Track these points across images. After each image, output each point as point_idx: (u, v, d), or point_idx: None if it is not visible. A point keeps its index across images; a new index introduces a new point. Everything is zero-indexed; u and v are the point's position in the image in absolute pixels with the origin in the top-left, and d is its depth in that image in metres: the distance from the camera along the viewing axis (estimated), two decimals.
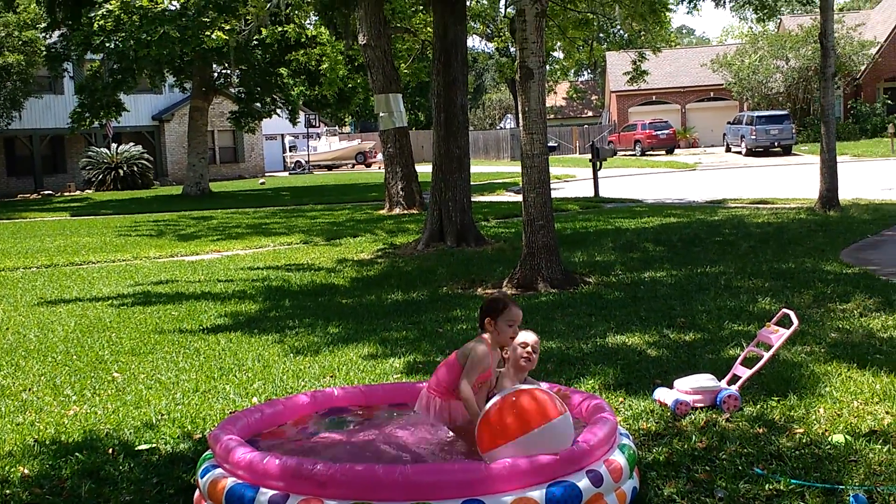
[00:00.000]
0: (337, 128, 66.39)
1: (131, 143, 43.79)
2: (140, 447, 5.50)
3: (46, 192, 41.80)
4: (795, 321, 6.05)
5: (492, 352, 4.87)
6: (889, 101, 50.46)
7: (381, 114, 21.94)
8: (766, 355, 6.06)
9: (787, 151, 42.73)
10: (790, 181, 26.37)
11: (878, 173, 28.04)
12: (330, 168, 59.64)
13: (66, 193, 41.31)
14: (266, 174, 52.40)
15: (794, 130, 43.53)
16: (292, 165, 59.60)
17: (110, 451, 5.45)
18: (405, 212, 22.06)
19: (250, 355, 7.90)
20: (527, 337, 4.91)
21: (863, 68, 50.35)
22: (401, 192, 22.48)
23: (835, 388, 6.10)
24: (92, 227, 22.72)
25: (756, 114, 44.24)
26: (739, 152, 44.88)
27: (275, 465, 4.17)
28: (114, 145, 42.71)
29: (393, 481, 3.96)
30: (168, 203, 31.03)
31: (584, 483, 4.14)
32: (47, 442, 5.69)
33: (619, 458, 4.41)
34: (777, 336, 6.05)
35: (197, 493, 4.53)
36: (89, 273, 14.09)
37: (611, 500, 4.25)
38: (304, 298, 10.80)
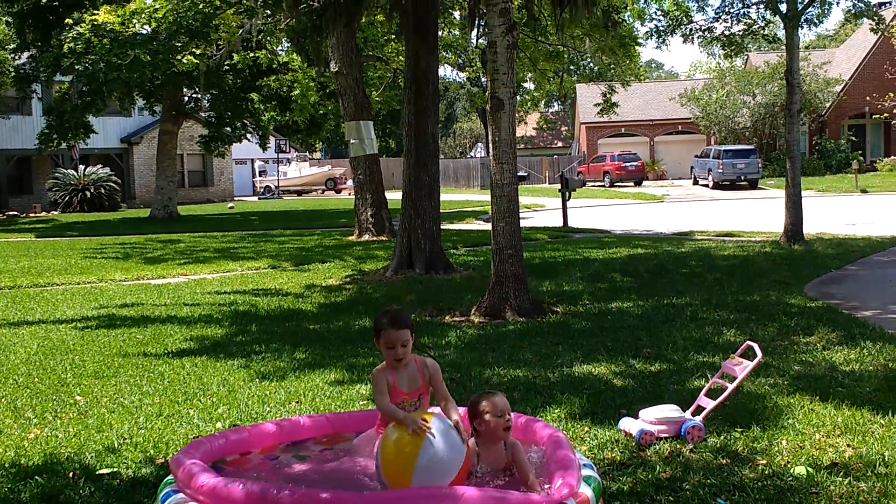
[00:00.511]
0: (307, 153, 66.32)
1: (99, 165, 43.54)
2: (101, 471, 5.43)
3: (11, 213, 41.36)
4: (759, 353, 6.11)
5: (390, 370, 4.72)
6: (853, 138, 51.32)
7: (352, 140, 21.99)
8: (730, 387, 6.11)
9: (753, 185, 43.29)
10: (756, 214, 26.67)
11: (842, 209, 28.45)
12: (300, 193, 59.52)
13: (31, 214, 40.90)
14: (235, 198, 52.24)
15: (760, 165, 44.12)
16: (262, 190, 59.44)
17: (71, 474, 5.38)
18: (374, 238, 22.06)
19: (215, 380, 7.84)
20: (497, 405, 4.61)
21: (828, 105, 51.20)
22: (370, 219, 22.48)
23: (797, 420, 6.16)
24: (57, 249, 22.50)
25: (723, 148, 44.84)
26: (707, 185, 45.39)
27: (238, 490, 4.12)
28: (81, 167, 42.41)
29: None
30: (135, 226, 30.82)
31: None
32: (7, 465, 5.61)
33: (586, 491, 4.40)
34: (741, 368, 6.10)
35: None
36: (53, 295, 13.94)
37: None
38: (271, 323, 10.75)
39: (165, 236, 25.87)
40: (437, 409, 4.79)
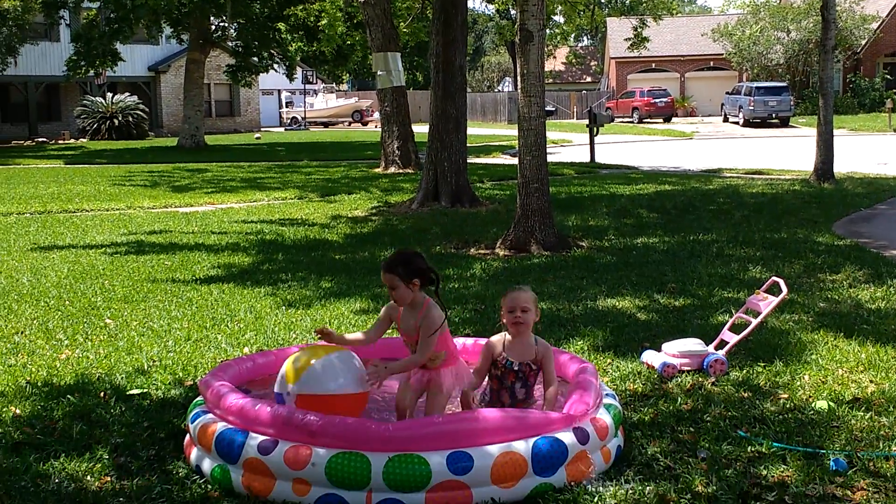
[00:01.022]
0: (334, 85, 65.98)
1: (127, 94, 43.53)
2: (132, 392, 5.55)
3: (41, 140, 41.60)
4: (784, 289, 6.10)
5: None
6: (888, 77, 50.34)
7: (379, 72, 21.82)
8: (754, 322, 6.12)
9: (784, 123, 42.69)
10: (786, 153, 26.37)
11: (875, 148, 28.05)
12: (326, 125, 59.35)
13: (60, 141, 41.14)
14: (262, 129, 52.17)
15: (792, 102, 43.44)
16: (288, 121, 59.29)
17: (102, 394, 5.50)
18: (400, 171, 22.02)
19: (242, 307, 7.94)
20: (511, 300, 4.83)
21: (863, 42, 50.17)
22: (397, 152, 22.42)
23: (821, 356, 6.17)
24: (86, 176, 22.65)
25: (755, 85, 44.12)
26: (737, 122, 44.81)
27: (266, 412, 4.22)
28: (109, 95, 42.44)
29: (383, 435, 4.01)
30: (163, 154, 30.91)
31: (570, 439, 4.20)
32: (39, 384, 5.74)
33: (605, 417, 4.47)
34: (766, 303, 6.10)
35: (187, 437, 4.58)
36: (83, 221, 14.08)
37: (596, 457, 4.31)
38: (298, 253, 10.83)
39: (193, 165, 25.95)
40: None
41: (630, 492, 4.09)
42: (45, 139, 41.90)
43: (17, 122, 43.86)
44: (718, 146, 31.64)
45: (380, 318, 4.95)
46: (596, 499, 4.02)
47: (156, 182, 20.91)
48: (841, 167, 18.74)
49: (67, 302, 8.22)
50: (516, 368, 4.73)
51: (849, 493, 4.07)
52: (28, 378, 5.85)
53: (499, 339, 4.83)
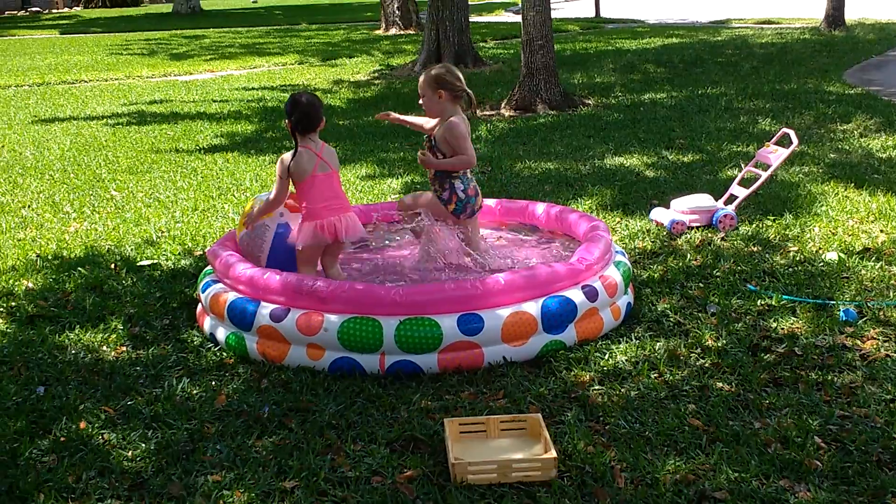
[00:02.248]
0: None
1: None
2: (142, 263, 5.56)
3: (34, 10, 40.70)
4: (795, 140, 6.02)
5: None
6: None
7: None
8: (764, 175, 6.05)
9: None
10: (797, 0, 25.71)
11: None
12: None
13: (53, 10, 40.26)
14: None
15: None
16: None
17: (112, 266, 5.51)
18: (402, 32, 21.58)
19: (248, 175, 7.89)
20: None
21: None
22: (397, 12, 21.92)
23: (831, 207, 6.13)
24: (82, 46, 22.25)
25: None
26: None
27: (275, 280, 4.22)
28: None
29: (392, 299, 4.02)
30: (158, 21, 30.28)
31: (579, 297, 4.21)
32: (49, 257, 5.75)
33: (614, 275, 4.47)
34: (776, 156, 6.03)
35: (199, 306, 4.61)
36: (82, 92, 13.90)
37: (605, 314, 4.33)
38: None
39: (190, 32, 25.44)
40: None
41: (640, 348, 4.12)
42: (38, 9, 40.98)
43: None
44: None
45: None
46: (607, 355, 4.06)
47: (153, 50, 20.54)
48: (852, 13, 18.28)
49: (72, 175, 8.18)
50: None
51: (858, 342, 4.10)
52: (38, 251, 5.87)
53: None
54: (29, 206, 7.12)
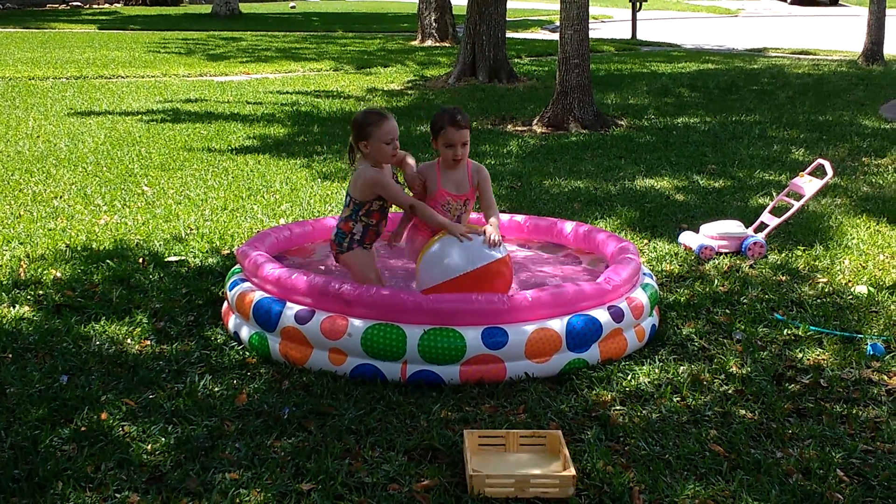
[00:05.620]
0: None
1: None
2: (169, 259, 5.59)
3: (75, 4, 41.12)
4: (830, 171, 5.97)
5: (438, 169, 4.69)
6: None
7: None
8: (797, 204, 6.01)
9: (833, 2, 41.29)
10: (835, 33, 25.56)
11: None
12: None
13: (94, 6, 40.66)
14: None
15: None
16: None
17: (140, 260, 5.55)
18: (437, 44, 21.63)
19: (278, 178, 7.93)
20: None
21: None
22: (434, 24, 21.97)
23: (862, 240, 6.08)
24: (121, 42, 22.45)
25: None
26: (784, 0, 43.40)
27: (303, 281, 4.24)
28: None
29: (418, 307, 4.02)
30: (197, 22, 30.51)
31: (604, 317, 4.20)
32: (79, 248, 5.79)
33: (640, 296, 4.45)
34: (810, 186, 5.99)
35: (225, 304, 4.63)
36: (119, 87, 14.02)
37: (629, 335, 4.31)
38: (333, 125, 10.74)
39: (227, 34, 25.62)
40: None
41: (663, 370, 4.10)
42: (79, 3, 41.41)
43: None
44: (764, 24, 30.73)
45: (420, 170, 4.71)
46: (629, 376, 4.04)
47: (190, 50, 20.69)
48: (891, 49, 18.17)
49: (105, 168, 8.25)
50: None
51: (885, 377, 4.06)
52: (67, 242, 5.91)
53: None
54: (61, 197, 7.18)
